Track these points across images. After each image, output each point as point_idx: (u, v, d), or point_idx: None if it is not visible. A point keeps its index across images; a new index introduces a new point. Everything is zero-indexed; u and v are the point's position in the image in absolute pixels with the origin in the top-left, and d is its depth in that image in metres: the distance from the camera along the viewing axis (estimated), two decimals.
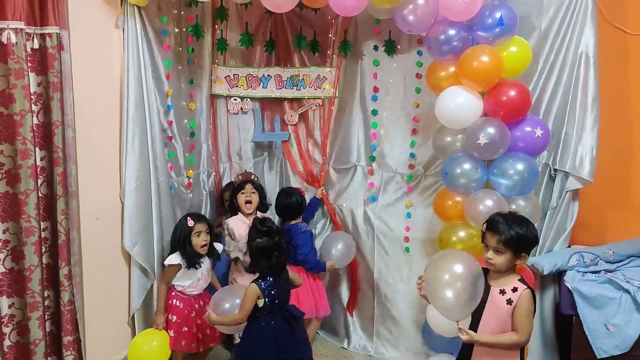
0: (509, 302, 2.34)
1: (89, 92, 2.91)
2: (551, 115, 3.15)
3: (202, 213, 3.74)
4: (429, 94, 3.44)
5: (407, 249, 3.64)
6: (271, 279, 2.77)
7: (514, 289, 2.35)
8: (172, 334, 3.15)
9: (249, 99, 3.85)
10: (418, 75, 3.54)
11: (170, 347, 3.14)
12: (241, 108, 3.87)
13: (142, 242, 3.21)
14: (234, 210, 3.56)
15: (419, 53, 3.52)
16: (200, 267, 3.20)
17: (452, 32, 2.89)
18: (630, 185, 3.44)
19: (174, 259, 3.16)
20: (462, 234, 3.01)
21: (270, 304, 2.76)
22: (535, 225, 2.48)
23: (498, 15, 2.78)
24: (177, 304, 3.19)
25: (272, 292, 2.76)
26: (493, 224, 2.40)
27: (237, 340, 3.34)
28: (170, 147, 3.53)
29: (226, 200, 3.76)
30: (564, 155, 3.12)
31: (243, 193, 3.51)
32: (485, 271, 2.40)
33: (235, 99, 3.84)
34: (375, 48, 3.65)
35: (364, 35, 3.69)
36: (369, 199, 3.79)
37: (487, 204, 2.82)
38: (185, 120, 3.64)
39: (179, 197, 3.60)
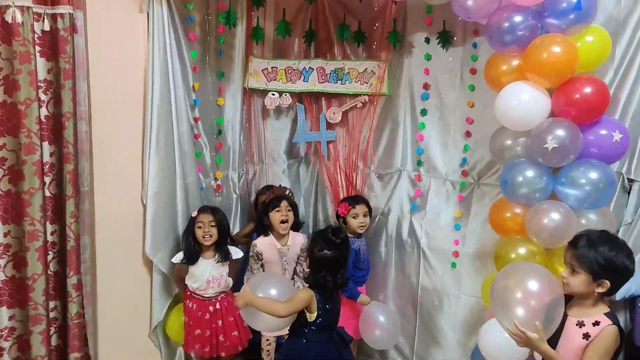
0: (586, 336, 1.99)
1: (108, 82, 2.67)
2: (627, 117, 2.75)
3: (232, 218, 3.51)
4: (485, 92, 3.08)
5: (453, 265, 3.31)
6: (322, 293, 2.51)
7: (596, 323, 1.99)
8: (185, 336, 3.03)
9: (288, 95, 3.55)
10: (473, 71, 3.19)
11: (184, 349, 3.07)
12: (279, 104, 3.56)
13: (166, 248, 3.01)
14: (263, 229, 3.24)
15: (474, 45, 3.16)
16: (199, 265, 2.99)
17: (518, 18, 2.54)
18: None
19: (178, 256, 3.02)
20: (521, 250, 2.71)
21: (323, 320, 2.50)
22: None
23: None
24: (191, 305, 3.03)
25: (327, 306, 2.51)
26: (575, 237, 2.09)
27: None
28: (198, 146, 3.29)
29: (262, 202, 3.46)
30: None
31: (278, 211, 3.19)
32: (568, 298, 2.06)
33: (273, 94, 3.53)
34: (427, 40, 3.31)
35: (414, 26, 3.35)
36: (413, 208, 3.46)
37: (553, 218, 2.51)
38: (213, 117, 3.38)
39: (209, 201, 3.36)
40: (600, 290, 1.99)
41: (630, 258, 2.02)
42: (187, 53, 3.10)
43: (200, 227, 2.98)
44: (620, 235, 2.77)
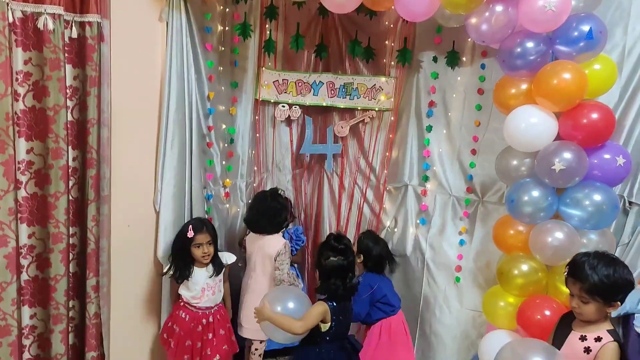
0: (587, 350, 2.09)
1: (127, 89, 2.69)
2: (630, 143, 2.84)
3: (239, 224, 3.51)
4: (491, 112, 3.18)
5: (457, 279, 3.36)
6: (336, 304, 2.60)
7: (598, 339, 2.09)
8: (173, 346, 2.92)
9: (297, 107, 3.60)
10: (480, 91, 3.26)
11: (170, 357, 2.95)
12: (289, 116, 3.61)
13: None
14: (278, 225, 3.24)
15: (482, 66, 3.24)
16: (194, 274, 2.92)
17: (530, 44, 2.58)
18: None
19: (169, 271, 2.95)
20: (524, 267, 2.77)
21: (335, 329, 2.59)
22: None
23: (586, 28, 2.48)
24: (183, 315, 2.94)
25: (340, 317, 2.60)
26: (574, 267, 2.15)
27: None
28: (209, 154, 3.34)
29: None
30: None
31: None
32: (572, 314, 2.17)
33: (283, 106, 3.58)
34: (435, 59, 3.38)
35: (423, 45, 3.41)
36: (420, 222, 3.51)
37: (557, 237, 2.58)
38: (224, 126, 3.41)
39: (217, 208, 3.40)
40: (611, 310, 2.09)
41: (629, 270, 2.11)
42: (203, 62, 3.13)
43: (198, 247, 2.90)
44: (617, 255, 2.83)
